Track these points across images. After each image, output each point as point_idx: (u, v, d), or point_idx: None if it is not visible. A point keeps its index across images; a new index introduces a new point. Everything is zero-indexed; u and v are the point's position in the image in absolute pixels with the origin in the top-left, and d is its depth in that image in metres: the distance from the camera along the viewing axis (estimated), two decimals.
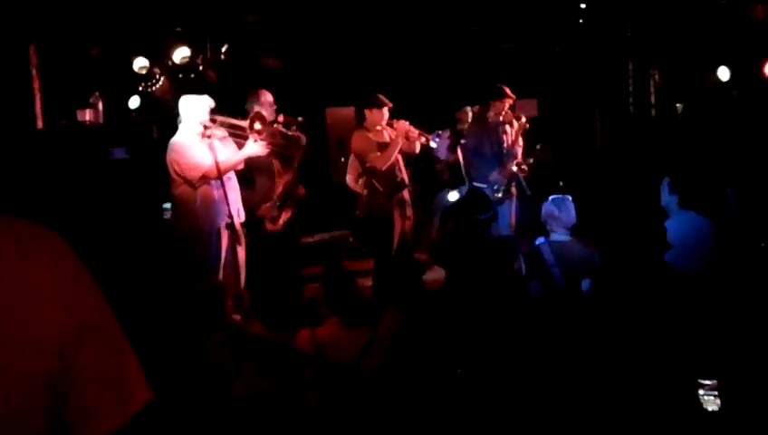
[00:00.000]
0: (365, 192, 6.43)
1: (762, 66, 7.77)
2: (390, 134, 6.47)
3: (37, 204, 5.30)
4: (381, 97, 6.49)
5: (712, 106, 9.03)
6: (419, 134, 6.53)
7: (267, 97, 6.05)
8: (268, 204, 5.96)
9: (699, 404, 2.69)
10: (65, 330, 1.10)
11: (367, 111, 6.53)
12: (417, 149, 6.64)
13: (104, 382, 1.14)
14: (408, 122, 6.46)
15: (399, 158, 6.54)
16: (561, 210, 4.63)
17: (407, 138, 6.44)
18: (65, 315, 1.10)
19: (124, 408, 1.16)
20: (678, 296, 3.36)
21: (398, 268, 6.42)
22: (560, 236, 4.60)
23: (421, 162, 7.10)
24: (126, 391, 1.17)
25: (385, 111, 6.45)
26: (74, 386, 1.11)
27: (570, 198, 4.75)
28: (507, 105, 7.03)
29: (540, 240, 4.61)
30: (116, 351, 1.17)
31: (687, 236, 4.80)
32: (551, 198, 4.77)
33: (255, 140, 5.63)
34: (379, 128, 6.47)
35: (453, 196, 6.83)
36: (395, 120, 6.48)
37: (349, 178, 6.70)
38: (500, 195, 6.86)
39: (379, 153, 6.36)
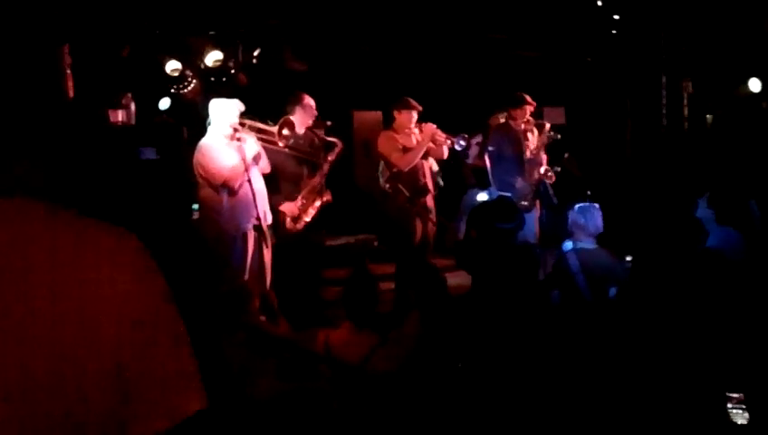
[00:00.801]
0: (388, 193, 6.44)
1: None
2: (418, 138, 6.48)
3: (67, 204, 5.36)
4: (411, 100, 6.50)
5: (742, 118, 8.93)
6: (446, 138, 6.53)
7: (309, 101, 6.09)
8: (290, 203, 5.98)
9: (727, 417, 2.66)
10: (156, 318, 1.14)
11: (396, 113, 6.54)
12: (446, 155, 6.63)
13: (166, 382, 1.15)
14: (435, 126, 6.47)
15: (426, 164, 6.53)
16: (587, 218, 4.61)
17: (433, 141, 6.45)
18: (161, 303, 1.15)
19: (177, 411, 1.16)
20: (708, 307, 3.32)
21: (421, 273, 6.42)
22: (585, 244, 4.57)
23: (451, 160, 7.07)
24: (189, 391, 1.18)
25: (414, 113, 6.46)
26: (139, 380, 1.12)
27: (597, 206, 4.72)
28: (528, 112, 7.00)
29: (566, 246, 4.58)
30: (186, 349, 1.19)
31: (724, 252, 4.75)
32: (577, 206, 4.75)
33: (284, 146, 5.67)
34: (407, 130, 6.48)
35: (482, 196, 6.81)
36: (422, 124, 6.49)
37: (381, 181, 6.71)
38: (526, 203, 6.82)
39: (403, 154, 6.38)
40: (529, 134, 7.06)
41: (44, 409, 1.05)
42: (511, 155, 6.98)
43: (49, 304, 1.07)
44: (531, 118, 7.02)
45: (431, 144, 6.50)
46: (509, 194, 6.73)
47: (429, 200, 6.62)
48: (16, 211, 1.12)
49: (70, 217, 1.17)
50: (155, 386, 1.14)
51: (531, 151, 7.03)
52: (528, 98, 6.97)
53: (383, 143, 6.55)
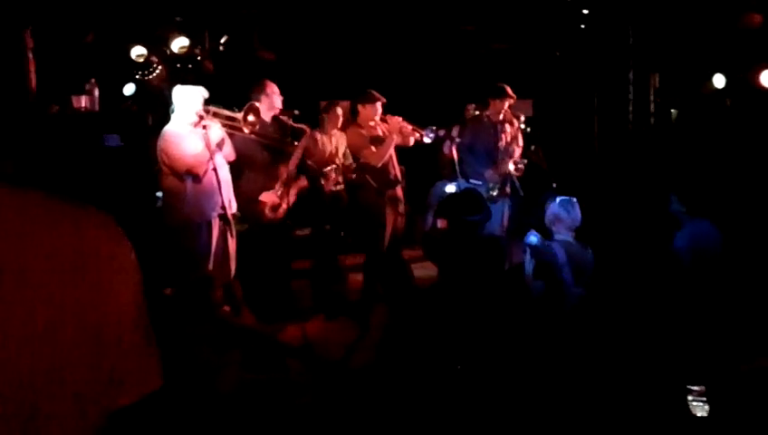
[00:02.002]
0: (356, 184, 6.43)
1: (756, 75, 7.78)
2: (384, 129, 6.45)
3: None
4: (374, 92, 6.46)
5: (705, 113, 9.04)
6: (413, 129, 6.52)
7: (274, 89, 6.05)
8: (269, 192, 5.95)
9: (688, 409, 2.69)
10: (129, 297, 1.17)
11: (360, 107, 6.49)
12: (411, 143, 6.62)
13: (142, 351, 1.20)
14: (401, 118, 6.45)
15: (393, 154, 6.52)
16: (568, 212, 4.63)
17: (400, 133, 6.43)
18: (132, 280, 1.18)
19: (145, 382, 1.22)
20: (671, 302, 3.37)
21: (388, 265, 6.43)
22: (565, 237, 4.59)
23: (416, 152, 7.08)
24: (149, 366, 1.23)
25: (378, 105, 6.42)
26: (122, 344, 1.17)
27: (575, 200, 4.75)
28: (507, 104, 7.01)
29: (529, 238, 4.58)
30: (150, 330, 1.24)
31: (698, 245, 4.83)
32: (558, 199, 4.76)
33: (249, 132, 5.61)
34: (372, 123, 6.45)
35: (450, 188, 6.81)
36: (388, 116, 6.47)
37: (332, 175, 6.69)
38: (494, 193, 6.84)
39: (373, 149, 6.34)
40: (507, 125, 7.07)
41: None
42: (483, 147, 6.99)
43: (46, 296, 1.08)
44: (508, 109, 7.03)
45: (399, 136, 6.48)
46: (479, 183, 6.76)
47: (399, 191, 6.61)
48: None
49: (64, 206, 1.17)
50: (125, 363, 1.18)
51: (505, 143, 7.04)
52: (509, 90, 6.97)
53: (351, 140, 6.52)
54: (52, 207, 1.15)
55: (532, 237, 4.59)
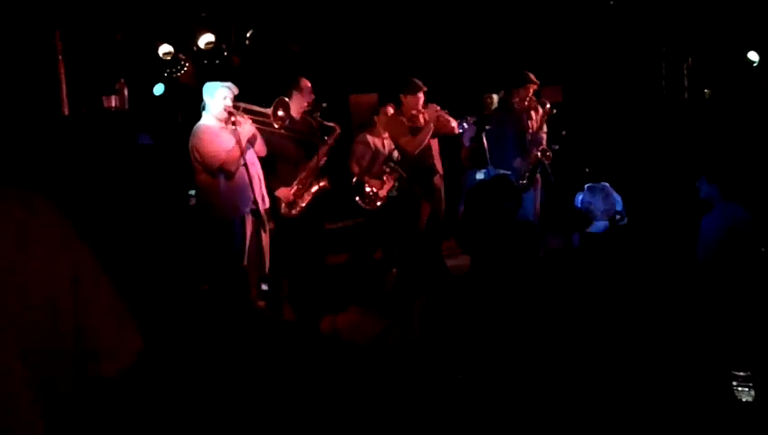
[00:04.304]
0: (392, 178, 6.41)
1: None
2: (425, 118, 6.41)
3: (62, 189, 5.33)
4: (416, 81, 6.44)
5: (740, 92, 8.88)
6: (448, 118, 6.48)
7: (306, 84, 6.05)
8: (285, 188, 5.95)
9: (733, 395, 2.65)
10: (72, 266, 1.28)
11: (402, 97, 6.48)
12: (453, 130, 6.54)
13: (109, 314, 1.33)
14: (437, 106, 6.42)
15: (434, 144, 6.49)
16: (598, 199, 4.59)
17: (438, 121, 6.40)
18: (69, 255, 1.29)
19: (129, 342, 1.34)
20: (712, 287, 3.30)
21: (422, 256, 6.41)
22: (601, 223, 4.55)
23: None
24: (128, 327, 1.35)
25: (420, 95, 6.42)
26: (86, 315, 1.28)
27: (607, 185, 4.69)
28: (531, 91, 6.94)
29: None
30: (112, 292, 1.35)
31: (729, 228, 4.73)
32: (586, 186, 4.71)
33: (279, 127, 5.61)
34: (414, 113, 6.43)
35: (480, 176, 6.78)
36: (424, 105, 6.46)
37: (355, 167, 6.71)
38: (524, 181, 6.79)
39: (411, 138, 6.33)
40: (532, 112, 7.00)
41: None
42: (511, 135, 6.93)
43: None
44: (533, 97, 6.95)
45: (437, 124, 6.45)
46: (508, 172, 6.71)
47: (438, 180, 6.58)
48: None
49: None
50: (102, 318, 1.31)
51: (532, 130, 6.98)
52: (532, 76, 6.90)
53: (391, 128, 6.50)
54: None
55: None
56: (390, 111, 6.77)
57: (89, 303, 1.29)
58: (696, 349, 2.90)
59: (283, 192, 5.94)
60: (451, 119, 6.47)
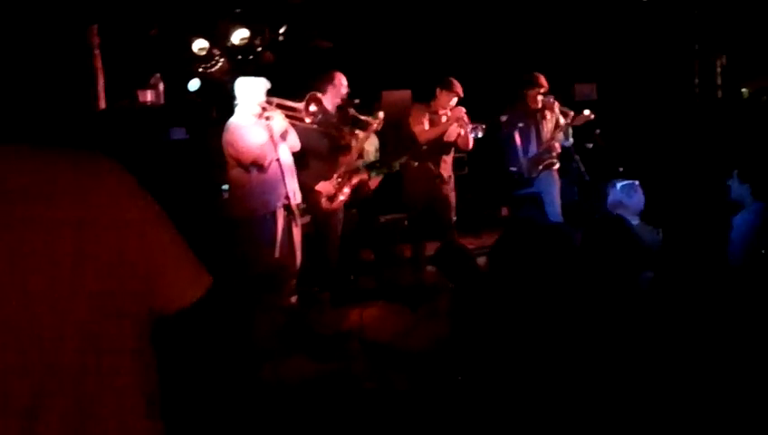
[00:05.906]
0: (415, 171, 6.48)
1: None
2: (448, 117, 6.47)
3: None
4: (455, 83, 6.48)
5: None
6: (469, 124, 6.50)
7: (341, 79, 6.06)
8: (326, 182, 5.98)
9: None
10: (139, 212, 1.37)
11: (438, 91, 6.53)
12: (471, 145, 6.62)
13: (179, 259, 1.41)
14: (464, 110, 6.45)
15: (448, 156, 6.56)
16: (630, 197, 4.56)
17: (457, 121, 6.43)
18: (134, 204, 1.38)
19: (199, 275, 1.44)
20: (741, 291, 3.26)
21: (449, 251, 6.40)
22: (631, 221, 4.51)
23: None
24: (196, 264, 1.45)
25: (453, 96, 6.45)
26: (156, 265, 1.37)
27: (638, 183, 4.66)
28: (540, 92, 6.90)
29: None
30: (180, 239, 1.44)
31: (761, 228, 4.66)
32: (618, 184, 4.68)
33: (311, 122, 5.63)
34: (442, 111, 6.48)
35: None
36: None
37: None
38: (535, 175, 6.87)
39: (425, 129, 6.39)
40: (547, 112, 6.97)
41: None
42: (524, 137, 6.95)
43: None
44: (544, 98, 6.91)
45: (458, 130, 6.48)
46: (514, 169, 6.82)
47: (446, 190, 6.64)
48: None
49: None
50: (173, 263, 1.40)
51: (545, 132, 6.96)
52: (541, 79, 6.88)
53: (413, 114, 6.54)
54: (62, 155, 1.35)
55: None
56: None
57: (157, 245, 1.37)
58: (735, 349, 2.87)
59: (324, 186, 5.97)
60: (469, 126, 6.48)
